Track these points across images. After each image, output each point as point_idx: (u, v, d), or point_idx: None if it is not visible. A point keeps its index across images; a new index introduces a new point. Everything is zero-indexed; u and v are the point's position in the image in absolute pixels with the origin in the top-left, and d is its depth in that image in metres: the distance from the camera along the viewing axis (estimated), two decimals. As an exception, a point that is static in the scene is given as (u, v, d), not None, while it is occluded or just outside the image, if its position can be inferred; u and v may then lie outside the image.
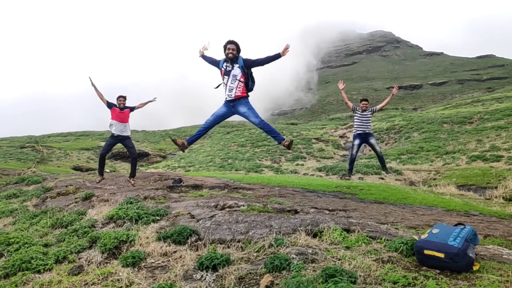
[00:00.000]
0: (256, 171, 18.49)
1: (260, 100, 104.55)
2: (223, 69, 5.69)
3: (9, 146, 37.66)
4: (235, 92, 5.61)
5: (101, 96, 8.42)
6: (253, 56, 5.70)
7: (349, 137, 31.63)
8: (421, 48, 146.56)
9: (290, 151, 26.24)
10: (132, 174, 8.52)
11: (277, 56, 5.44)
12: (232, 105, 5.70)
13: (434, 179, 14.74)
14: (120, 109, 8.41)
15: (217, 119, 5.80)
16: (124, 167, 28.70)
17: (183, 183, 8.45)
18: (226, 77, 5.66)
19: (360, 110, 9.11)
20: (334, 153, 26.49)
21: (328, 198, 7.53)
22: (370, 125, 9.13)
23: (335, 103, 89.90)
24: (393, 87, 9.52)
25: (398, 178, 15.56)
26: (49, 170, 24.25)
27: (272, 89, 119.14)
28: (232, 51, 5.56)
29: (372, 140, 9.12)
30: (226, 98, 5.74)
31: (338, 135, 33.81)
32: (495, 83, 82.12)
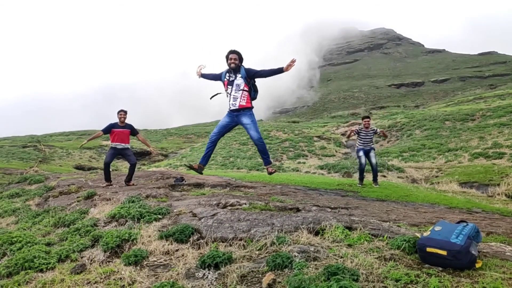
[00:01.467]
0: (257, 170, 18.50)
1: (262, 98, 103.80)
2: (226, 79, 5.65)
3: (11, 146, 37.75)
4: (240, 101, 5.57)
5: (96, 136, 8.48)
6: (256, 64, 5.68)
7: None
8: (423, 45, 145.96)
9: (292, 148, 26.25)
10: (129, 178, 8.54)
11: (279, 70, 5.38)
12: (236, 115, 5.65)
13: (436, 176, 14.72)
14: (120, 127, 8.40)
15: (222, 130, 5.76)
16: (126, 166, 28.75)
17: (185, 181, 8.46)
18: (229, 87, 5.61)
19: (364, 129, 9.51)
20: (336, 151, 26.46)
21: (330, 196, 7.53)
22: (372, 142, 9.63)
23: (336, 101, 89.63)
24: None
25: (400, 176, 15.55)
26: (51, 169, 24.33)
27: (273, 87, 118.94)
28: (234, 60, 5.52)
29: (372, 153, 9.60)
30: (229, 107, 5.69)
31: (340, 133, 33.75)
32: (497, 80, 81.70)
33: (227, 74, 5.66)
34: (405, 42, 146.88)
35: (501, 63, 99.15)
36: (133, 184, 8.43)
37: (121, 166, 28.17)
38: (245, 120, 5.59)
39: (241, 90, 5.55)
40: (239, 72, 5.58)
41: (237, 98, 5.57)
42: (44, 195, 8.12)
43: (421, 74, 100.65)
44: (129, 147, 8.62)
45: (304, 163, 21.94)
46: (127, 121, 8.60)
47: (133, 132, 8.57)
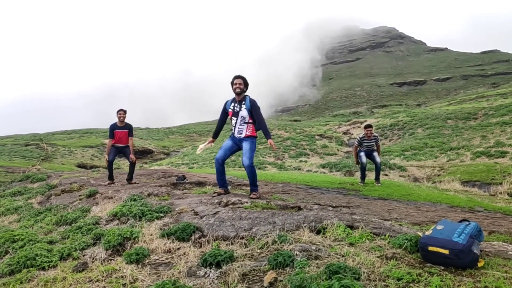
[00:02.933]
0: (259, 168, 18.49)
1: (264, 96, 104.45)
2: (230, 110, 5.63)
3: (13, 144, 37.88)
4: (245, 133, 5.59)
5: (109, 144, 8.58)
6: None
7: (352, 134, 31.55)
8: (425, 44, 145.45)
9: (293, 147, 26.24)
10: (130, 177, 8.61)
11: (268, 137, 5.52)
12: (239, 139, 5.66)
13: (438, 175, 14.69)
14: (120, 127, 8.49)
15: (227, 153, 5.75)
16: (128, 164, 28.81)
17: (187, 180, 8.46)
18: (234, 118, 5.59)
19: (367, 138, 9.63)
20: (338, 150, 26.43)
21: (332, 195, 7.53)
22: (374, 147, 9.77)
23: (338, 99, 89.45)
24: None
25: (402, 175, 15.52)
26: (54, 168, 24.40)
27: (276, 84, 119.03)
28: (239, 85, 5.51)
29: (375, 153, 9.75)
30: (235, 134, 5.69)
31: (342, 132, 33.73)
32: (499, 79, 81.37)
33: (232, 104, 5.64)
34: (407, 40, 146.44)
35: (503, 62, 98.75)
36: (134, 183, 8.46)
37: (123, 165, 28.23)
38: (245, 145, 5.58)
39: (246, 123, 5.56)
40: (244, 102, 5.56)
41: (243, 131, 5.59)
42: (46, 193, 8.14)
43: (423, 72, 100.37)
44: (129, 145, 8.68)
45: (305, 161, 21.92)
46: (126, 120, 8.64)
47: (130, 133, 8.65)
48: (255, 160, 21.51)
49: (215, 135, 5.96)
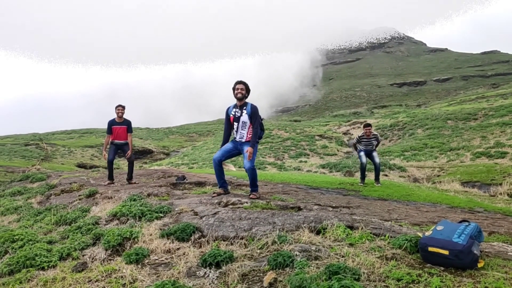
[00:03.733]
0: (259, 168, 18.50)
1: (265, 96, 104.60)
2: (232, 115, 5.65)
3: (13, 144, 37.89)
4: (246, 138, 5.60)
5: (107, 140, 8.59)
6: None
7: (352, 134, 31.56)
8: (425, 44, 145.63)
9: (293, 147, 26.25)
10: (129, 176, 8.60)
11: (253, 144, 5.46)
12: (240, 143, 5.67)
13: (438, 175, 14.69)
14: (118, 123, 8.46)
15: (226, 154, 5.77)
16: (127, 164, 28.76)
17: (187, 180, 8.46)
18: (236, 123, 5.62)
19: (365, 136, 9.65)
20: (338, 150, 26.43)
21: (332, 195, 7.52)
22: (374, 145, 9.79)
23: (338, 99, 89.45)
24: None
25: (402, 175, 15.53)
26: (53, 168, 24.40)
27: (276, 84, 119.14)
28: (241, 90, 5.53)
29: (374, 153, 9.79)
30: (236, 138, 5.70)
31: (342, 132, 33.74)
32: (500, 79, 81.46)
33: (234, 110, 5.66)
34: (407, 41, 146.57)
35: (504, 62, 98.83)
36: (134, 183, 8.45)
37: (123, 165, 28.25)
38: (247, 148, 5.57)
39: (247, 128, 5.57)
40: (245, 107, 5.57)
41: (244, 135, 5.60)
42: (46, 193, 8.14)
43: (423, 73, 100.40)
44: (128, 142, 8.65)
45: (305, 162, 21.93)
46: (124, 116, 8.60)
47: (129, 129, 8.61)
48: (255, 160, 21.56)
49: (223, 145, 5.94)
